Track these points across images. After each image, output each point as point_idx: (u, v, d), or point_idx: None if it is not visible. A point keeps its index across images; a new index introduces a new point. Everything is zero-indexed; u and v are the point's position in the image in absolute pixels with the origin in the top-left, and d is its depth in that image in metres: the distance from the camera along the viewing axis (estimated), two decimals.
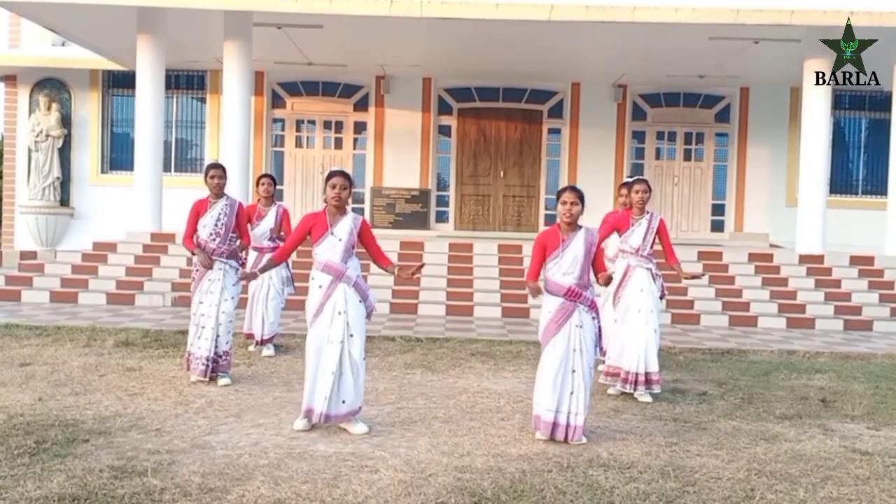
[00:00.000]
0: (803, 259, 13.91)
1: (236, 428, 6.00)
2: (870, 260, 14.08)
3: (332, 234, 5.91)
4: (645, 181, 7.44)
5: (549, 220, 18.35)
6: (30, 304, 12.39)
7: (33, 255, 16.78)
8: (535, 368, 8.41)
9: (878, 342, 11.13)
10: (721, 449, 5.76)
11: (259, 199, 9.06)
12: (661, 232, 7.41)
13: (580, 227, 5.89)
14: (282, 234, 8.99)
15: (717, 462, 5.45)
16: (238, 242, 7.67)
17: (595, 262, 5.92)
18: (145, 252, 13.75)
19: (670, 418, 6.60)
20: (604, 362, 7.59)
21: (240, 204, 7.72)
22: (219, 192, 7.57)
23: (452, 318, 12.12)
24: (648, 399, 7.17)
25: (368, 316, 6.05)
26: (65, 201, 18.27)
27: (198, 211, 7.53)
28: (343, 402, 5.88)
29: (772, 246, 16.12)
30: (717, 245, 15.77)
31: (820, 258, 13.91)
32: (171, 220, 14.80)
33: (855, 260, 14.03)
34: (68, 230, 18.20)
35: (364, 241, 6.06)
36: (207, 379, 7.36)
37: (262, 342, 8.93)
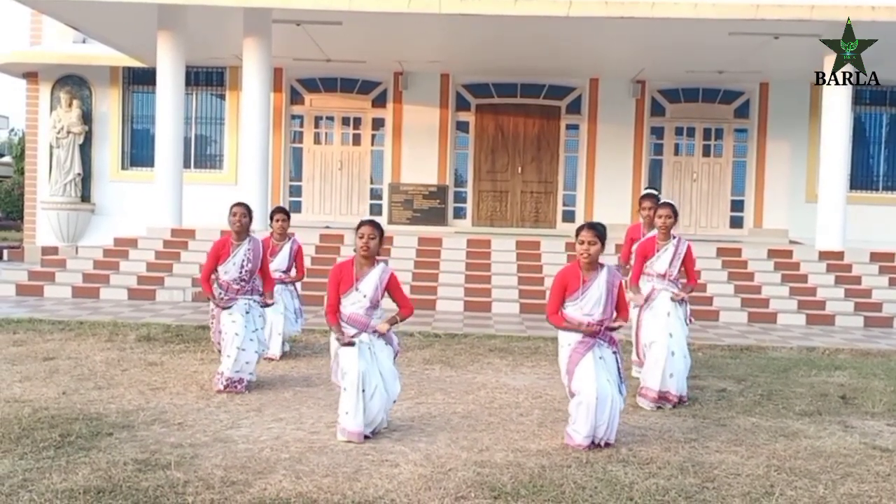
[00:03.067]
0: (823, 255, 13.82)
1: (257, 422, 6.06)
2: (890, 256, 13.96)
3: (356, 289, 5.76)
4: (669, 205, 7.13)
5: (567, 216, 18.36)
6: (52, 299, 12.53)
7: (55, 250, 16.93)
8: (554, 364, 8.44)
9: None
10: (740, 445, 5.76)
11: (272, 234, 8.81)
12: (687, 257, 7.18)
13: (601, 265, 5.67)
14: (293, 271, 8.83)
15: (736, 458, 5.46)
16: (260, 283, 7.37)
17: (618, 303, 5.70)
18: (166, 248, 13.84)
19: (689, 415, 6.60)
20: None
21: (264, 246, 7.45)
22: (240, 231, 7.22)
23: (470, 314, 12.15)
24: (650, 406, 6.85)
25: (394, 358, 5.99)
26: (86, 197, 18.42)
27: (217, 254, 7.19)
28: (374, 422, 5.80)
29: (791, 242, 16.03)
30: (736, 241, 15.70)
31: (840, 254, 13.82)
32: (191, 215, 14.88)
33: (875, 256, 13.92)
34: (89, 226, 18.35)
35: (391, 292, 5.89)
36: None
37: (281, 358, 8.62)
